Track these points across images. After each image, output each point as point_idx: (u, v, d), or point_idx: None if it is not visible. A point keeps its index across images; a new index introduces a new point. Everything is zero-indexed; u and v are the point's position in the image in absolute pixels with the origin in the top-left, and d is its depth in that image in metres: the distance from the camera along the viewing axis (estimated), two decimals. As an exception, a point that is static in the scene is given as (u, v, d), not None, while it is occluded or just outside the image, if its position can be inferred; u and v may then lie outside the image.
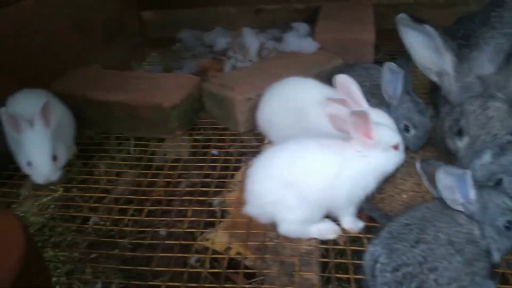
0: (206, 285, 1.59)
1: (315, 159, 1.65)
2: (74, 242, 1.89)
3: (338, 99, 1.73)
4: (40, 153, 1.92)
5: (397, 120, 1.98)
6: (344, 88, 1.80)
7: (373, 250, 1.39)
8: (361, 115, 1.57)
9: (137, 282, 1.64)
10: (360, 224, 1.76)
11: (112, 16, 3.47)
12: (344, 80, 1.81)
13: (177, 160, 2.34)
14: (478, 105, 1.67)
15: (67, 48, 2.90)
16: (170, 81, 2.58)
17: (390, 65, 1.96)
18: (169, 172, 2.24)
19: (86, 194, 2.13)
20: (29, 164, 1.91)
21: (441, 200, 1.45)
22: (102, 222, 1.98)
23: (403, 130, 1.98)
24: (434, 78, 1.88)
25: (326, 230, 1.73)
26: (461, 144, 1.73)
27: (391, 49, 3.53)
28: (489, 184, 1.56)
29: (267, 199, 1.67)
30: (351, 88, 1.79)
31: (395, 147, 1.72)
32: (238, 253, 1.74)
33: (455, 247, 1.31)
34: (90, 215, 2.01)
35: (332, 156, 1.65)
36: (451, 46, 1.77)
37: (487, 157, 1.59)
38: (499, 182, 1.56)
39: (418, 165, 1.63)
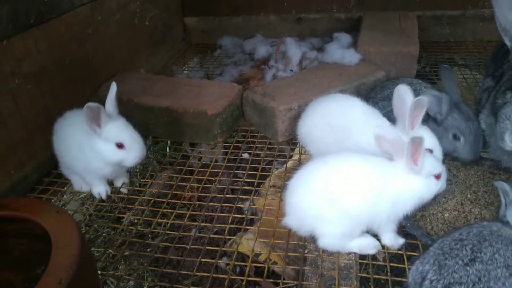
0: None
1: (359, 174, 1.66)
2: (109, 239, 1.97)
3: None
4: (131, 132, 2.05)
5: (445, 132, 2.03)
6: (401, 101, 1.82)
7: (421, 266, 1.39)
8: (417, 142, 1.56)
9: (169, 285, 1.68)
10: (401, 241, 1.76)
11: (158, 22, 3.60)
12: (404, 92, 1.82)
13: (214, 165, 2.41)
14: None
15: (116, 53, 3.03)
16: (214, 89, 2.65)
17: (432, 92, 2.04)
18: (205, 177, 2.30)
19: (120, 195, 2.23)
20: (121, 146, 2.01)
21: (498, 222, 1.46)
22: (137, 221, 2.07)
23: (453, 139, 2.02)
24: (507, 42, 1.90)
25: (366, 245, 1.73)
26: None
27: (431, 61, 3.50)
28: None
29: (308, 212, 1.69)
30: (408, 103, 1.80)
31: (437, 177, 1.70)
32: (269, 260, 1.78)
33: (510, 270, 1.29)
34: (125, 215, 2.10)
35: (376, 173, 1.66)
36: None
37: None
38: None
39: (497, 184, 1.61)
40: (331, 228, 1.66)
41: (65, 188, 2.29)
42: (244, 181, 2.27)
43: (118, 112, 2.07)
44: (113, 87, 2.01)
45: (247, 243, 1.87)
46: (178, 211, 2.08)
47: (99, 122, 1.95)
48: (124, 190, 2.27)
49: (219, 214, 2.05)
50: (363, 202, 1.62)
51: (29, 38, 2.20)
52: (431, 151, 1.87)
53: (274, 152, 2.49)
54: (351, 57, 2.85)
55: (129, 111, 2.57)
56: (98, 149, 2.01)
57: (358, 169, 1.66)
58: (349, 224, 1.65)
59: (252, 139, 2.64)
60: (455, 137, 2.01)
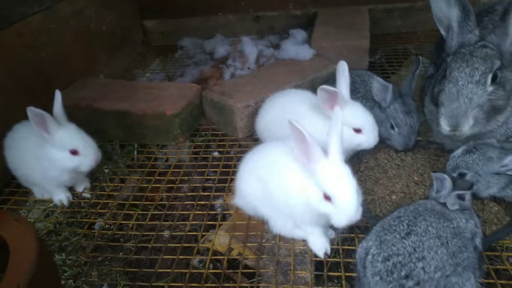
0: (207, 284, 1.71)
1: (278, 159, 1.74)
2: (80, 246, 1.99)
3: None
4: (84, 137, 2.06)
5: (386, 119, 2.16)
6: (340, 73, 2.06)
7: (365, 243, 1.50)
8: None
9: (142, 283, 1.74)
10: (326, 245, 1.76)
11: (115, 26, 3.60)
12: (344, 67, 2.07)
13: (179, 165, 2.46)
14: (467, 50, 1.79)
15: (73, 59, 3.03)
16: (173, 90, 2.69)
17: (379, 80, 2.17)
18: (171, 177, 2.35)
19: (91, 200, 2.24)
20: (75, 152, 2.02)
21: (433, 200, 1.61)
22: (107, 226, 2.09)
23: (390, 128, 2.15)
24: (443, 32, 2.01)
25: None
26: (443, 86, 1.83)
27: (386, 52, 3.64)
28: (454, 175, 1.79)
29: (245, 191, 1.84)
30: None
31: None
32: (239, 254, 1.85)
33: (441, 240, 1.42)
34: (95, 220, 2.12)
35: (289, 160, 1.66)
36: (459, 2, 1.88)
37: (458, 152, 1.78)
38: (462, 175, 1.77)
39: (433, 175, 1.67)
40: (268, 208, 1.80)
41: (27, 197, 2.30)
42: (207, 178, 2.33)
43: (68, 119, 2.08)
44: (58, 95, 2.03)
45: (213, 238, 1.93)
46: (141, 212, 2.13)
47: (46, 128, 1.95)
48: (86, 195, 2.29)
49: (180, 212, 2.10)
50: (277, 186, 1.70)
51: (-20, 50, 2.19)
52: (359, 130, 1.99)
53: (236, 149, 2.56)
54: (305, 52, 2.95)
55: (88, 116, 2.59)
56: (53, 157, 2.02)
57: (278, 154, 1.75)
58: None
59: (214, 137, 2.69)
60: (392, 126, 2.14)
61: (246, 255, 1.83)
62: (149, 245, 1.93)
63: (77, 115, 2.46)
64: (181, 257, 1.85)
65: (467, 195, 1.56)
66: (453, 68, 1.78)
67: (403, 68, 3.34)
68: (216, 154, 2.55)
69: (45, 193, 2.24)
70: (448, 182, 1.57)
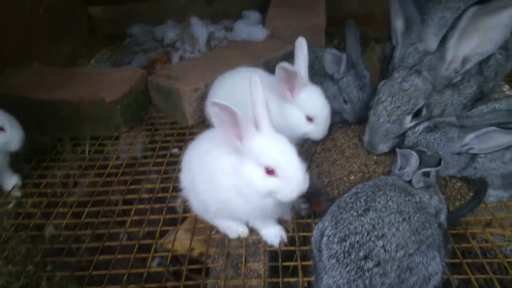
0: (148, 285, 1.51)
1: (201, 152, 1.60)
2: (29, 254, 1.75)
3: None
4: (8, 115, 1.97)
5: (339, 93, 2.04)
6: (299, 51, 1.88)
7: (321, 224, 1.36)
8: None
9: None
10: (281, 233, 1.64)
11: (55, 12, 3.29)
12: (303, 44, 1.89)
13: (122, 157, 2.22)
14: (400, 75, 1.71)
15: (6, 45, 2.72)
16: (114, 76, 2.47)
17: (332, 51, 2.02)
18: (111, 170, 2.13)
19: (40, 198, 2.00)
20: (1, 129, 1.92)
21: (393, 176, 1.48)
22: (58, 231, 1.84)
23: (343, 102, 2.03)
24: (394, 43, 1.91)
25: (229, 227, 1.66)
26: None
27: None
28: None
29: (183, 183, 1.69)
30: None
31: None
32: (201, 253, 1.68)
33: (403, 215, 1.29)
34: (44, 221, 1.87)
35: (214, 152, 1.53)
36: (403, 14, 1.81)
37: (419, 129, 1.66)
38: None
39: (398, 151, 1.56)
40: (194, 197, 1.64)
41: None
42: (151, 170, 2.13)
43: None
44: None
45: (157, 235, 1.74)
46: (90, 209, 1.91)
47: None
48: (17, 193, 2.04)
49: (122, 208, 1.89)
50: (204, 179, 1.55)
51: None
52: (311, 119, 1.87)
53: (184, 137, 2.36)
54: (259, 33, 2.79)
55: (19, 107, 2.30)
56: None
57: (207, 145, 1.58)
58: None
59: (163, 125, 2.48)
60: (345, 101, 2.03)
61: (193, 249, 1.66)
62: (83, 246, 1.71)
63: (7, 106, 2.19)
64: (118, 256, 1.64)
65: (433, 171, 1.44)
66: (380, 99, 1.73)
67: (363, 55, 3.22)
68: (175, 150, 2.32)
69: None
70: (414, 159, 1.44)
